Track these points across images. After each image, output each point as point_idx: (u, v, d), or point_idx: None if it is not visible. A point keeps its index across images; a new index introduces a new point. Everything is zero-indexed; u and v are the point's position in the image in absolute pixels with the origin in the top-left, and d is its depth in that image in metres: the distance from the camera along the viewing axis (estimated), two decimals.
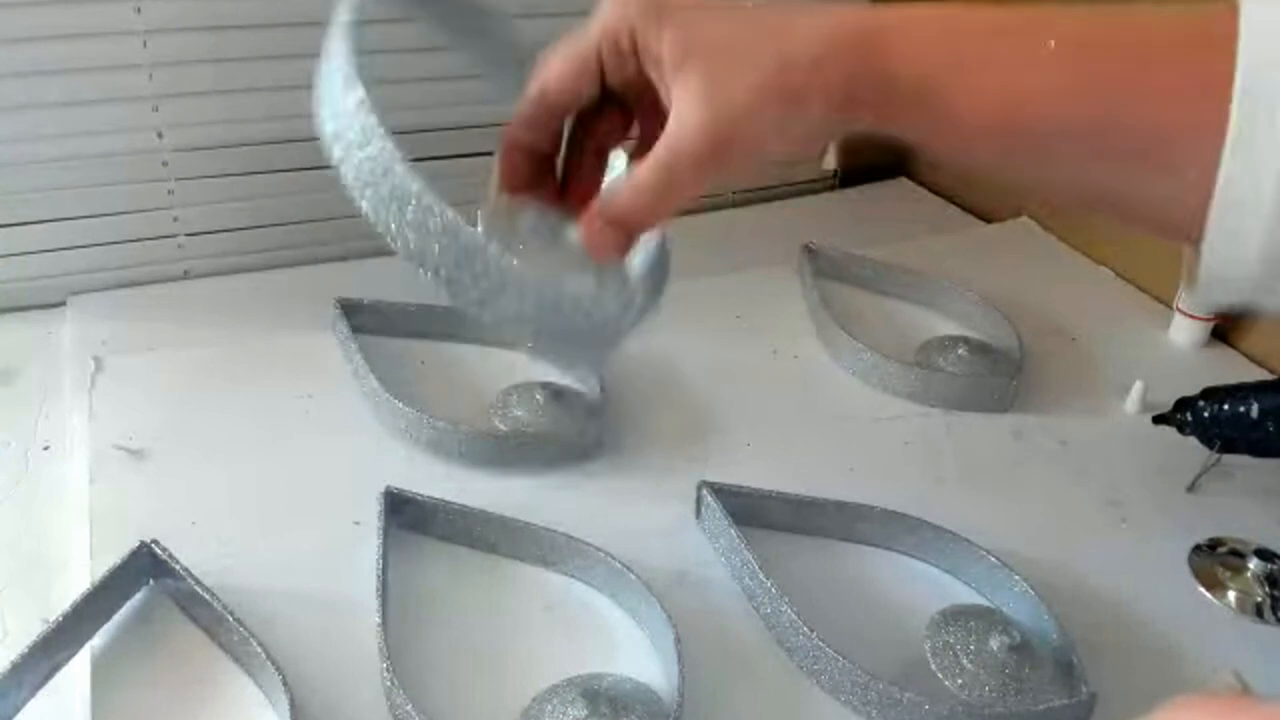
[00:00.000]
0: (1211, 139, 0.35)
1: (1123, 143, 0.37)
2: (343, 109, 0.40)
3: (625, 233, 0.40)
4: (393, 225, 0.43)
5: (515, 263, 0.39)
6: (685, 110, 0.36)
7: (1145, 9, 0.38)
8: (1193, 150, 0.36)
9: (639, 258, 0.44)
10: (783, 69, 0.36)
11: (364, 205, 0.41)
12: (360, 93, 0.40)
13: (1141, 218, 0.40)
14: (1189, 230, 0.37)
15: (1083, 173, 0.39)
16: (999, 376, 0.79)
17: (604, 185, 0.43)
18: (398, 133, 0.96)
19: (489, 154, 1.02)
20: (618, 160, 0.43)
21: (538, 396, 0.72)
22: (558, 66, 0.41)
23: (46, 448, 0.70)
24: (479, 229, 0.42)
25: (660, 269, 0.44)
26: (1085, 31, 0.38)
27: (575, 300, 0.40)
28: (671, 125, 0.37)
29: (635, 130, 0.43)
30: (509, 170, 0.43)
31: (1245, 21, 0.35)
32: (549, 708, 0.51)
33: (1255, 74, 0.34)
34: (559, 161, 0.44)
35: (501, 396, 0.74)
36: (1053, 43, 0.37)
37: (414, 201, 0.39)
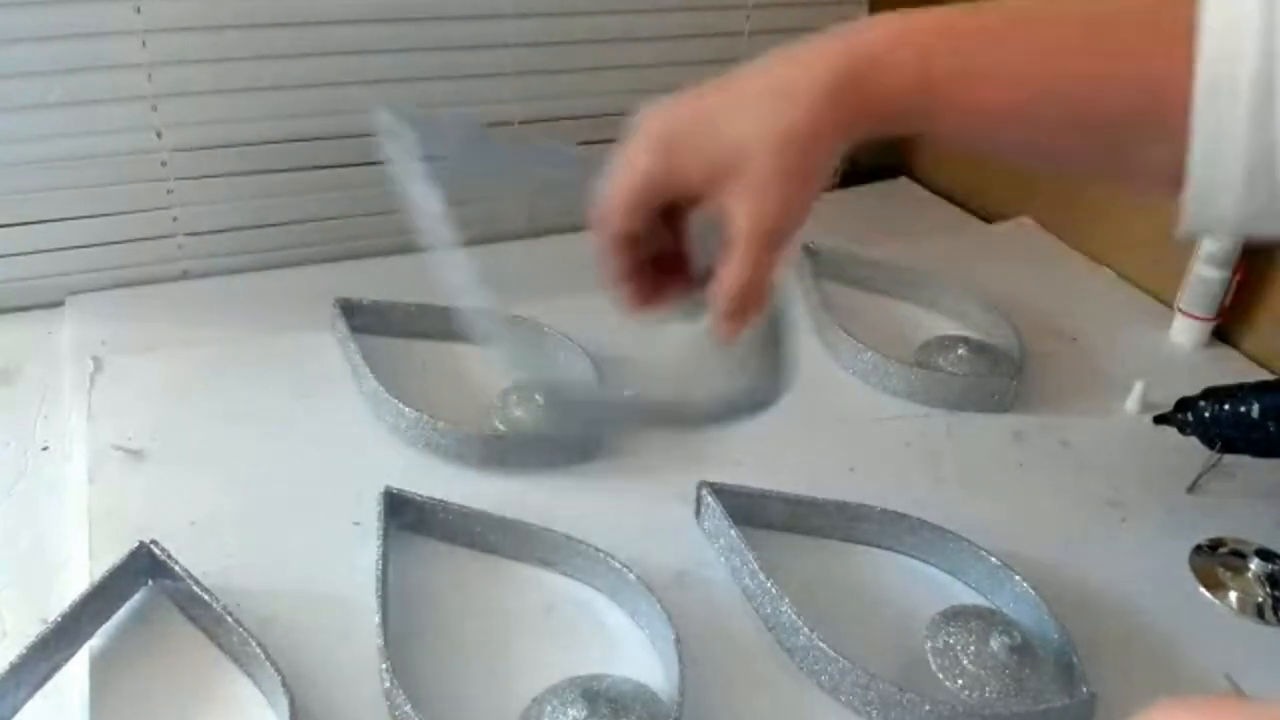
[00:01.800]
0: (1179, 93, 0.38)
1: (1113, 105, 0.41)
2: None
3: (741, 321, 0.45)
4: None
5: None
6: (743, 218, 0.43)
7: None
8: (1166, 110, 0.39)
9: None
10: (792, 151, 0.42)
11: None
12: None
13: (1136, 172, 0.43)
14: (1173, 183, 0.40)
15: (1080, 146, 0.43)
16: (999, 377, 0.79)
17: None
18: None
19: None
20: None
21: (537, 397, 0.72)
22: (607, 209, 0.46)
23: (45, 448, 0.70)
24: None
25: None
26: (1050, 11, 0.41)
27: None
28: (736, 229, 0.43)
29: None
30: (632, 281, 0.48)
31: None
32: (548, 708, 0.51)
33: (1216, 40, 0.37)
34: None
35: (501, 397, 0.74)
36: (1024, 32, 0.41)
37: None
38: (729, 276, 0.44)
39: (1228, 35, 0.37)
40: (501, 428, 0.72)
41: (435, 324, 0.82)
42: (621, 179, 0.45)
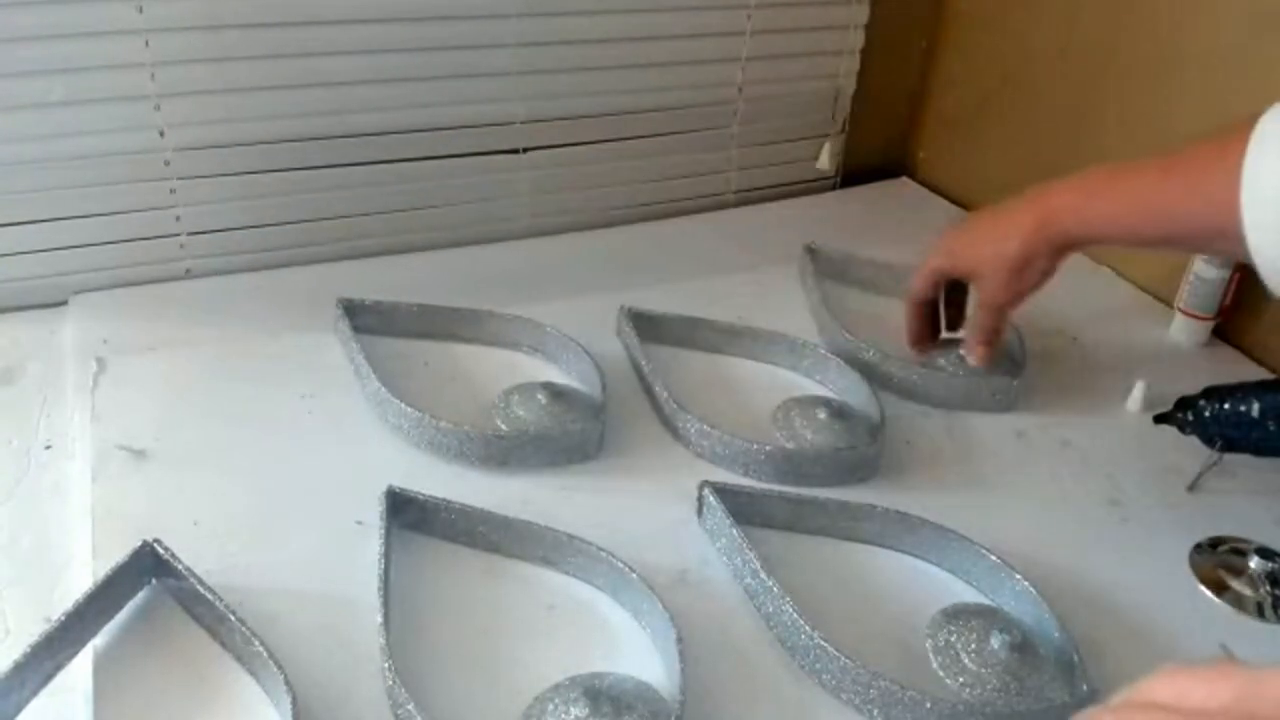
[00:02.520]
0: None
1: (1194, 226, 0.63)
2: None
3: (990, 344, 0.75)
4: None
5: None
6: (986, 293, 0.73)
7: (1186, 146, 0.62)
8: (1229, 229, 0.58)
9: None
10: (1011, 266, 0.70)
11: None
12: None
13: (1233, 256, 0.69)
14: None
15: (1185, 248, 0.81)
16: (1000, 376, 0.79)
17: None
18: (397, 132, 0.97)
19: (487, 154, 1.02)
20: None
21: (539, 397, 0.72)
22: (913, 286, 0.78)
23: (48, 447, 0.71)
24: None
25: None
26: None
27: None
28: (983, 298, 0.74)
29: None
30: (919, 331, 0.80)
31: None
32: (551, 706, 0.51)
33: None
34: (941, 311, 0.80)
35: (504, 396, 0.74)
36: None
37: None
38: (979, 324, 0.75)
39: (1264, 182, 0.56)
40: (504, 427, 0.72)
41: (437, 324, 0.82)
42: (922, 269, 0.76)
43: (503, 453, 0.69)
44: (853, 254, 0.94)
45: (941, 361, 0.80)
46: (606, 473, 0.70)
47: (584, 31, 0.96)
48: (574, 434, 0.70)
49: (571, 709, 0.50)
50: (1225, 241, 0.58)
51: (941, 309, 0.79)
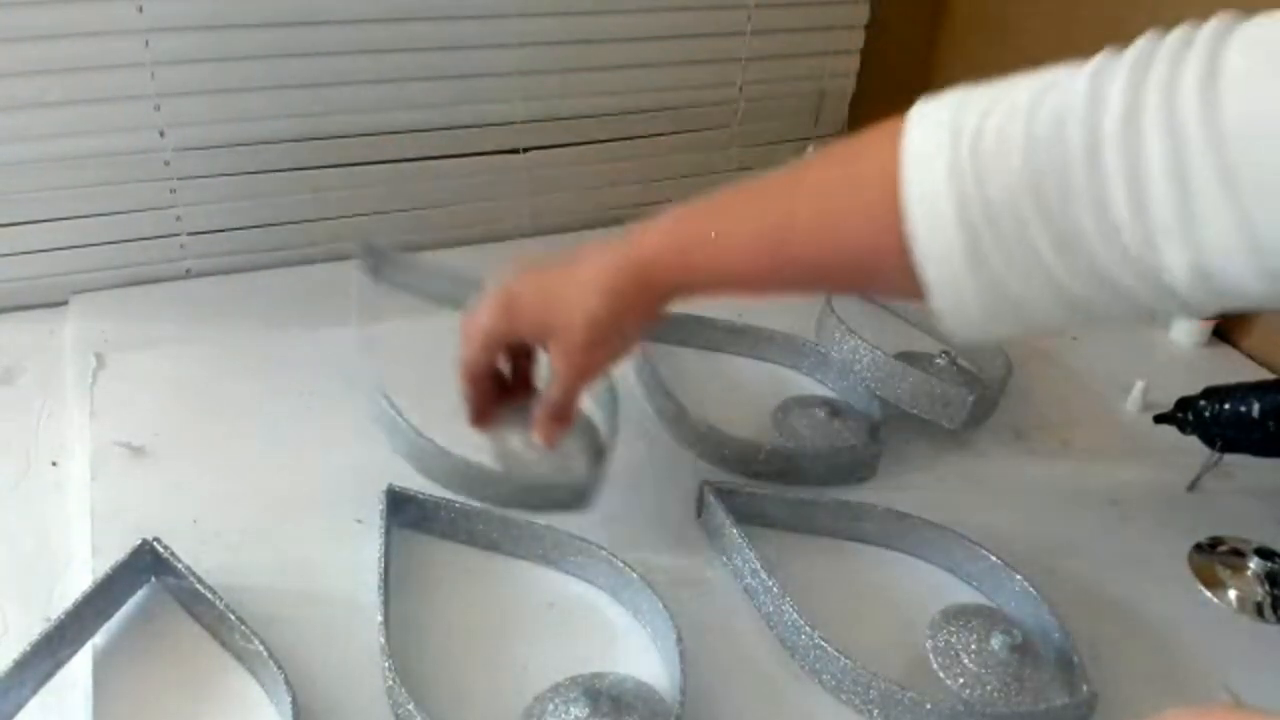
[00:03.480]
0: (898, 249, 0.45)
1: (840, 265, 0.50)
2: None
3: (560, 422, 0.60)
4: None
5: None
6: (559, 366, 0.58)
7: (806, 165, 0.52)
8: (891, 264, 0.46)
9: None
10: (593, 330, 0.55)
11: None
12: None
13: (888, 296, 0.56)
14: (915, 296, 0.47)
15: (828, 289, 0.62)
16: (999, 374, 0.79)
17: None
18: (397, 132, 0.97)
19: (487, 154, 1.02)
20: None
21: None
22: (464, 353, 0.59)
23: (48, 446, 0.70)
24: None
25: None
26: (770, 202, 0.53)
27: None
28: (554, 370, 0.58)
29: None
30: (479, 404, 0.61)
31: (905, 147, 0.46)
32: (551, 706, 0.51)
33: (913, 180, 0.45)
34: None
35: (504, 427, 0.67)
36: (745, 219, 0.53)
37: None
38: (547, 399, 0.59)
39: (926, 206, 0.44)
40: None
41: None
42: (474, 330, 0.58)
43: (499, 495, 0.68)
44: None
45: (941, 360, 0.78)
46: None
47: (584, 31, 0.95)
48: (575, 480, 0.69)
49: (571, 709, 0.50)
50: (884, 280, 0.49)
51: (504, 368, 0.62)
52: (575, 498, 0.62)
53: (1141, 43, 0.41)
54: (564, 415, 0.60)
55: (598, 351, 0.57)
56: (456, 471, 0.63)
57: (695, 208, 0.54)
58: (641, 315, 0.56)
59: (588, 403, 0.65)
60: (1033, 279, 0.43)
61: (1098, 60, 0.42)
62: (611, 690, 0.52)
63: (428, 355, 0.63)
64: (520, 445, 0.62)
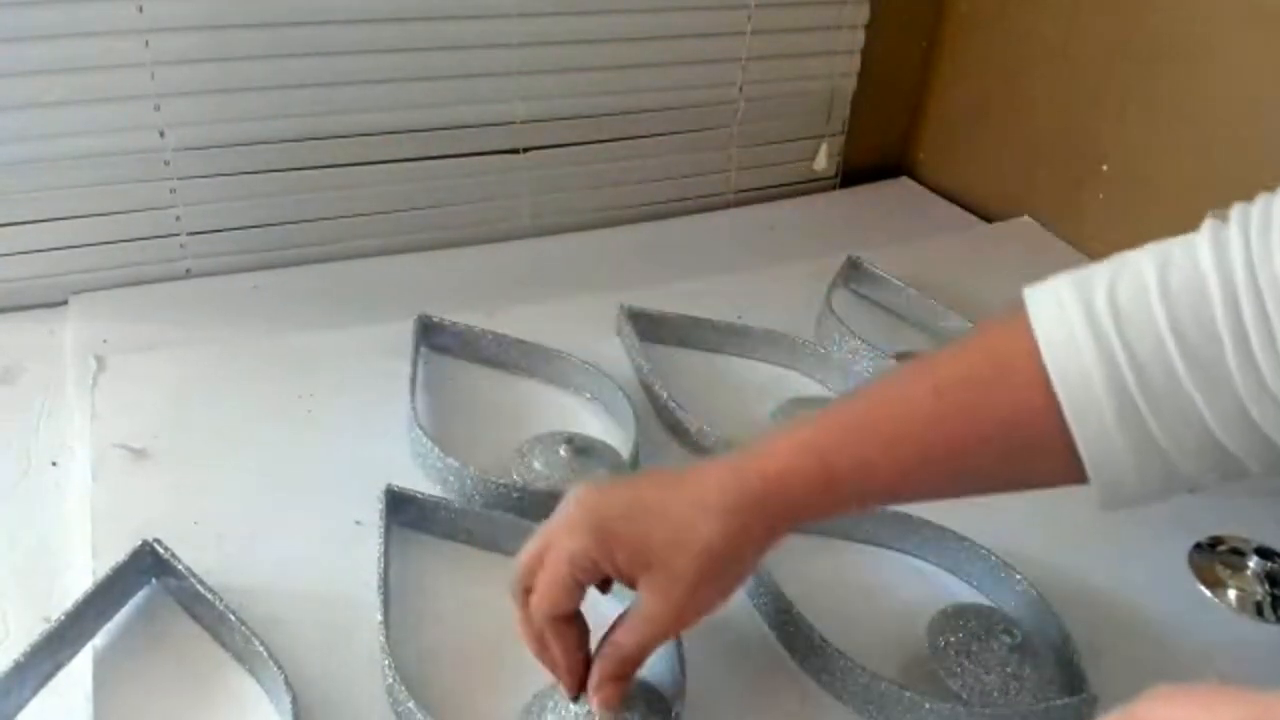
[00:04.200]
0: (1050, 420, 0.45)
1: (992, 452, 0.47)
2: None
3: (620, 684, 0.49)
4: None
5: None
6: (655, 606, 0.47)
7: (932, 361, 0.50)
8: (1043, 435, 0.45)
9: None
10: (705, 561, 0.46)
11: None
12: None
13: (1039, 484, 0.50)
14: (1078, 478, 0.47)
15: (980, 484, 0.50)
16: None
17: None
18: (397, 132, 0.97)
19: (487, 154, 1.02)
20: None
21: (561, 451, 0.67)
22: (548, 595, 0.47)
23: (48, 447, 0.70)
24: None
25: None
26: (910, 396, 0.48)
27: None
28: (646, 610, 0.48)
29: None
30: (570, 661, 0.49)
31: (1034, 318, 0.46)
32: (550, 704, 0.51)
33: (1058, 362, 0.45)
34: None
35: (529, 444, 0.69)
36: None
37: None
38: (616, 648, 0.48)
39: (1070, 362, 0.44)
40: (517, 478, 0.69)
41: (505, 353, 0.80)
42: (555, 564, 0.47)
43: (508, 506, 0.66)
44: (870, 271, 0.94)
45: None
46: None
47: (584, 31, 0.96)
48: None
49: (571, 707, 0.50)
50: (1040, 466, 0.47)
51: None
52: None
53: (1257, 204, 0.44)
54: (631, 668, 0.49)
55: (706, 589, 0.47)
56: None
57: (821, 423, 0.49)
58: (761, 546, 0.48)
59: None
60: (1184, 430, 0.44)
61: (1209, 226, 0.44)
62: None
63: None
64: None
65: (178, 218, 0.88)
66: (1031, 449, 0.47)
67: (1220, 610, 0.63)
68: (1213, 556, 0.66)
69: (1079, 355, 0.44)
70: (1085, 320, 0.45)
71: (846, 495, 0.48)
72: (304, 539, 0.63)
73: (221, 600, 0.55)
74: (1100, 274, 0.46)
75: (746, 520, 0.47)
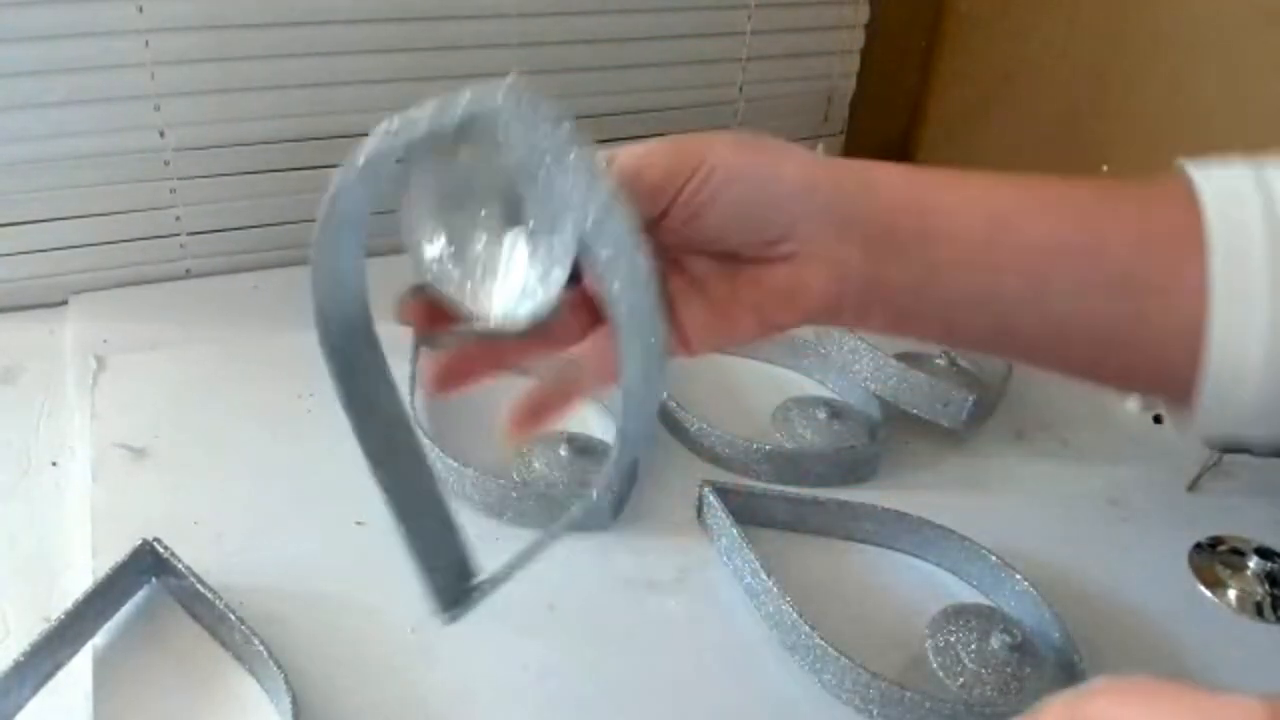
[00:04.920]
0: (1190, 283, 0.39)
1: (1113, 268, 0.41)
2: None
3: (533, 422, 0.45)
4: None
5: None
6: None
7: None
8: (1177, 289, 0.39)
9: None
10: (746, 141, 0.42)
11: None
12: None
13: (1133, 362, 0.42)
14: (1180, 370, 0.40)
15: (1079, 302, 0.41)
16: (1000, 374, 0.79)
17: None
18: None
19: None
20: None
21: (561, 451, 0.68)
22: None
23: (48, 446, 0.70)
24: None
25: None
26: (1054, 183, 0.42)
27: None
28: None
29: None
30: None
31: (1201, 181, 0.41)
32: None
33: (1222, 228, 0.40)
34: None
35: (529, 444, 0.69)
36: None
37: None
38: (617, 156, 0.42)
39: (1231, 210, 0.40)
40: (516, 478, 0.70)
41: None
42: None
43: (510, 506, 0.66)
44: None
45: (940, 361, 0.77)
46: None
47: (584, 31, 0.95)
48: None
49: None
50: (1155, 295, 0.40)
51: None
52: (593, 517, 0.60)
53: None
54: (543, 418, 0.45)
55: (720, 158, 0.41)
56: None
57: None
58: (797, 191, 0.43)
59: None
60: None
61: None
62: None
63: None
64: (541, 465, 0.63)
65: (178, 218, 0.88)
66: (1155, 283, 0.40)
67: (1220, 610, 0.63)
68: (1213, 556, 0.66)
69: (1242, 206, 0.40)
70: (1255, 185, 0.42)
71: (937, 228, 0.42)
72: (304, 539, 0.63)
73: (221, 600, 0.55)
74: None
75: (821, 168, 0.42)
